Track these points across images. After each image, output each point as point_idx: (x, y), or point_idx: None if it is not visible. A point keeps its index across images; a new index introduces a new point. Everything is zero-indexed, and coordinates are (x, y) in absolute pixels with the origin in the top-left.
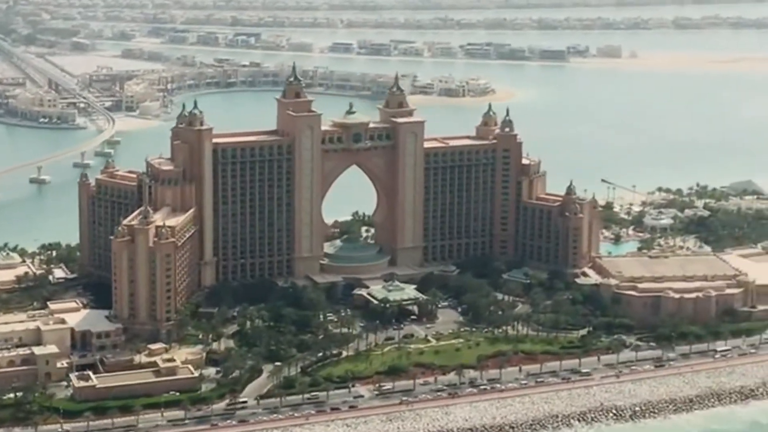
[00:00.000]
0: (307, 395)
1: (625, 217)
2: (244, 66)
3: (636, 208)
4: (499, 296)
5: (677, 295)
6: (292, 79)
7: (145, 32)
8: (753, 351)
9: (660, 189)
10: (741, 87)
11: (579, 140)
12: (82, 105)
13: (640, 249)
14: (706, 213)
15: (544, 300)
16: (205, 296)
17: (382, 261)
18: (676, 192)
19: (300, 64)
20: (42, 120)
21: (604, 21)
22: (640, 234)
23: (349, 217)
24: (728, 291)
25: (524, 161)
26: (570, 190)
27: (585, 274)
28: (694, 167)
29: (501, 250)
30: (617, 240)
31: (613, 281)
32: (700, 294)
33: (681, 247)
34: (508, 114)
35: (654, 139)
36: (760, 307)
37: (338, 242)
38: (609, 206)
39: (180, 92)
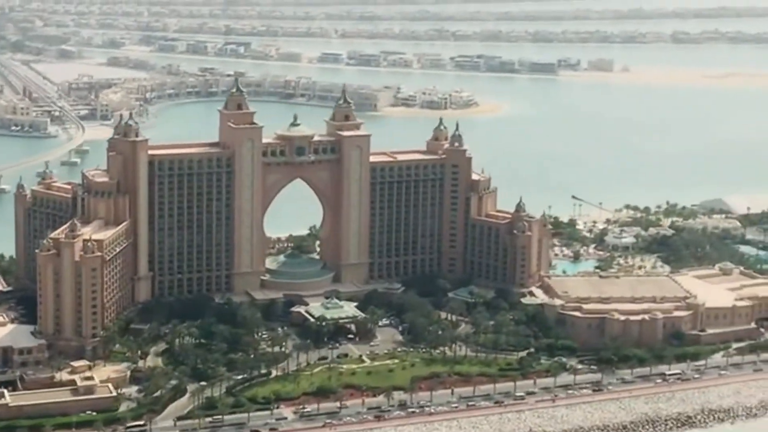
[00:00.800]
0: (208, 419)
1: (588, 234)
2: (228, 75)
3: (601, 226)
4: (443, 315)
5: (622, 317)
6: (234, 90)
7: (135, 40)
8: (697, 376)
9: (627, 206)
10: (730, 102)
11: (558, 154)
12: (56, 113)
13: (597, 268)
14: (670, 232)
15: (487, 320)
16: (138, 312)
17: (325, 277)
18: (644, 210)
19: (288, 74)
20: (14, 128)
21: (601, 34)
22: (601, 252)
23: (306, 232)
24: (676, 314)
25: (474, 177)
26: (519, 208)
27: (532, 294)
28: (670, 184)
29: (449, 267)
30: (576, 258)
31: (557, 301)
32: (646, 316)
33: (640, 267)
34: (457, 128)
35: (634, 154)
36: (710, 331)
37: (281, 257)
38: (572, 223)
39: (160, 101)
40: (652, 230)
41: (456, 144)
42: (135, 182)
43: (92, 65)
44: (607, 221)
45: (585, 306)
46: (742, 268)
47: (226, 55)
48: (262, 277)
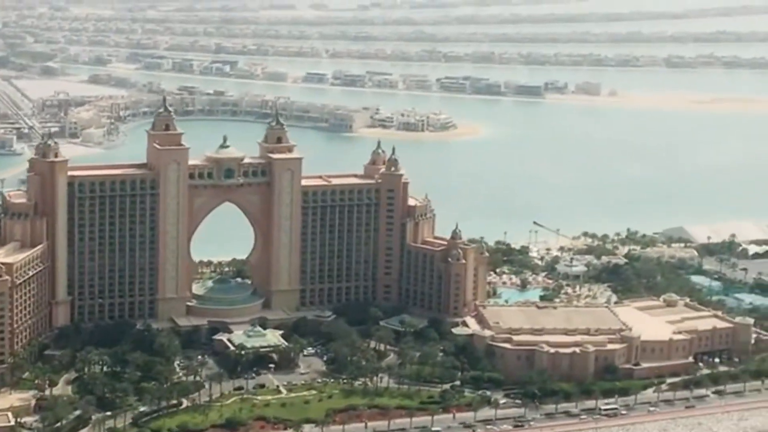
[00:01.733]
0: None
1: (539, 262)
2: (208, 94)
3: (556, 253)
4: (372, 345)
5: (552, 350)
6: (161, 110)
7: (122, 57)
8: (624, 412)
9: (585, 233)
10: (714, 128)
11: (528, 178)
12: (25, 130)
13: (542, 297)
14: (622, 261)
15: (415, 350)
16: (54, 337)
17: (254, 304)
18: (601, 237)
19: (273, 93)
20: None
21: (594, 57)
22: (549, 281)
23: None
24: (609, 346)
25: (411, 202)
26: (455, 234)
27: (465, 324)
28: (638, 210)
29: (385, 295)
30: (524, 287)
31: (487, 332)
32: (577, 349)
33: (586, 297)
34: (394, 152)
35: (608, 180)
36: (645, 365)
37: (209, 283)
38: (524, 251)
39: (134, 119)
40: (604, 259)
41: (392, 168)
42: (53, 204)
43: (74, 82)
44: (561, 249)
45: (515, 337)
46: (687, 299)
47: (212, 74)
48: (189, 303)
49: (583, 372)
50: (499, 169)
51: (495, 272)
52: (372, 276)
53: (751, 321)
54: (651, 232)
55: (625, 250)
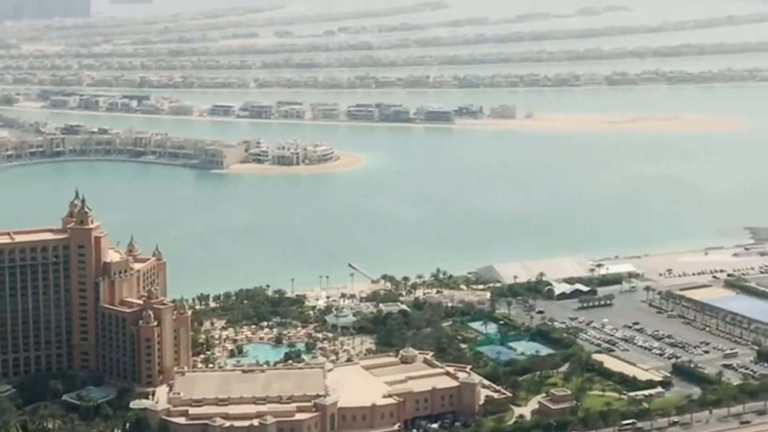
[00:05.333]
0: None
1: (311, 314)
2: (93, 133)
3: (338, 301)
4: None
5: (227, 423)
6: None
7: (33, 96)
8: None
9: (384, 277)
10: (614, 150)
11: (376, 215)
12: None
13: (288, 354)
14: (396, 309)
15: (82, 429)
16: None
17: None
18: (399, 280)
19: (176, 128)
20: None
21: (532, 78)
22: (319, 335)
23: None
24: (297, 416)
25: (110, 257)
26: (151, 294)
27: (153, 395)
28: (464, 247)
29: (83, 363)
30: (278, 342)
31: (161, 405)
32: (255, 421)
33: (338, 353)
34: (84, 204)
35: (459, 214)
36: None
37: None
38: (299, 300)
39: None
40: (382, 306)
41: (82, 221)
42: None
43: None
44: (343, 296)
45: (193, 410)
46: (429, 354)
47: (117, 110)
48: None
49: None
50: (352, 205)
51: (256, 325)
52: (67, 342)
53: (477, 379)
54: (466, 272)
55: (419, 293)
